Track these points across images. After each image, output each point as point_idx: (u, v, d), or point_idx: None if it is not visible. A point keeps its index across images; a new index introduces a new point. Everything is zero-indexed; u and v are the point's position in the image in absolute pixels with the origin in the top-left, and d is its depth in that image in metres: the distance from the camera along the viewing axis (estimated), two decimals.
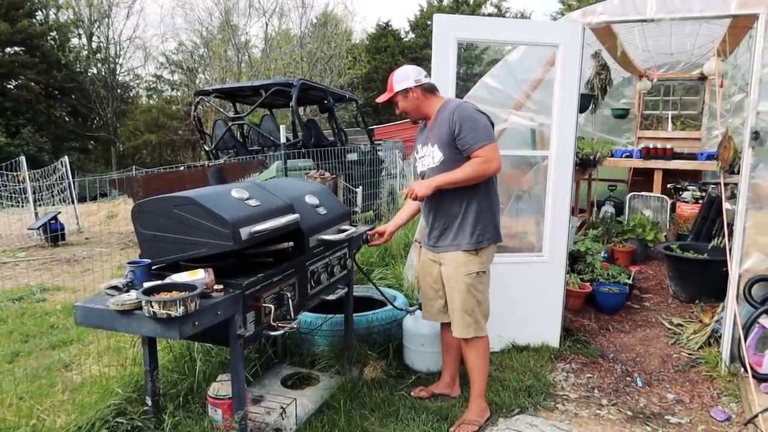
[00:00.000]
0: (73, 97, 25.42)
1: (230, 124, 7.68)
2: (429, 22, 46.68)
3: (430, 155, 2.89)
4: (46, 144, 21.58)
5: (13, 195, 9.63)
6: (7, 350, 4.00)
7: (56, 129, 24.10)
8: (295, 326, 2.36)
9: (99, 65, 26.51)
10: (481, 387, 2.98)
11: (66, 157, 9.91)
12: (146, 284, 2.05)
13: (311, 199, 2.90)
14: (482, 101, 4.03)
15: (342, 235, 2.87)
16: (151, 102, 24.45)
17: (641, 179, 7.74)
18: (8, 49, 23.10)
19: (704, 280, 4.68)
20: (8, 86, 22.57)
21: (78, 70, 25.51)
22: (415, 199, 2.78)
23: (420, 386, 3.28)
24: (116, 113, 25.09)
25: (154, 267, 2.37)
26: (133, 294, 2.01)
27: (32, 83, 23.02)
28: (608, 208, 7.58)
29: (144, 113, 24.09)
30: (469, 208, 2.85)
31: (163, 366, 2.97)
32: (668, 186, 7.23)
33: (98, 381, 2.83)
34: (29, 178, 9.11)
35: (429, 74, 3.00)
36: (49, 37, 24.45)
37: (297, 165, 6.65)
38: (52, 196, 9.76)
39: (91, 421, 2.49)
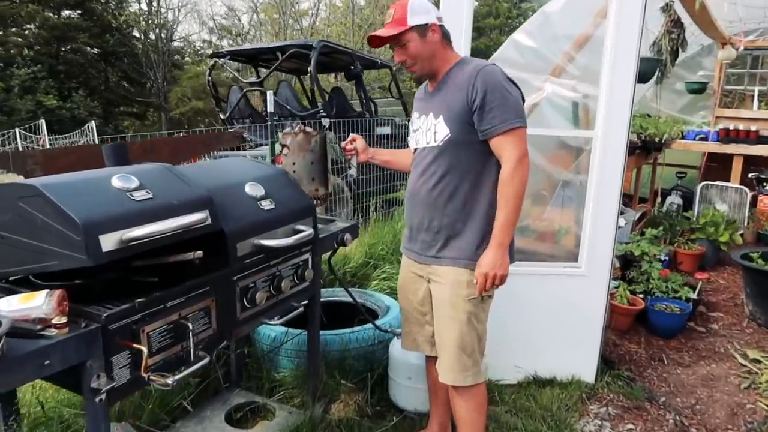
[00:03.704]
0: (125, 61, 25.48)
1: (245, 90, 7.01)
2: None
3: (430, 129, 2.11)
4: (97, 108, 21.69)
5: None
6: None
7: (108, 93, 24.28)
8: (171, 383, 1.64)
9: (156, 30, 26.50)
10: None
11: (93, 122, 9.60)
12: None
13: (253, 189, 2.15)
14: (512, 64, 3.16)
15: (289, 240, 2.10)
16: (199, 68, 24.14)
17: (717, 166, 6.63)
18: (64, 12, 23.33)
19: None
20: (62, 49, 22.83)
21: (132, 34, 25.56)
22: (499, 285, 2.05)
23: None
24: (166, 79, 25.02)
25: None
26: None
27: (86, 47, 23.19)
28: (675, 199, 6.49)
29: (191, 79, 23.78)
30: (477, 206, 2.08)
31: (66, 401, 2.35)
32: (749, 176, 6.10)
33: None
34: (50, 143, 8.80)
35: None
36: (103, 1, 24.47)
37: None
38: None
39: None
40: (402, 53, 2.07)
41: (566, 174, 3.89)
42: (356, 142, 2.56)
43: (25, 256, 1.63)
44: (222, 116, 7.22)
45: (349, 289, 3.41)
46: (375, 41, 2.16)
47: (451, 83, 2.06)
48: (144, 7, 26.79)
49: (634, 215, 5.44)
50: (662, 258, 4.36)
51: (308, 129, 2.58)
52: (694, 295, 3.92)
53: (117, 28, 24.10)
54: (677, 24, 4.84)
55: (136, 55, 25.06)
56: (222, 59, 7.11)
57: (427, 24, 2.03)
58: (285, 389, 2.71)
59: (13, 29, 21.37)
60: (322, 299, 3.31)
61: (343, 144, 2.61)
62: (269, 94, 4.14)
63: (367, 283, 4.03)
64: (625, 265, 4.32)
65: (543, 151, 3.63)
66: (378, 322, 2.92)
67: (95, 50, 24.21)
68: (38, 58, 20.94)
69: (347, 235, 2.59)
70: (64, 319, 1.48)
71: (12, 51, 20.36)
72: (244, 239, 2.00)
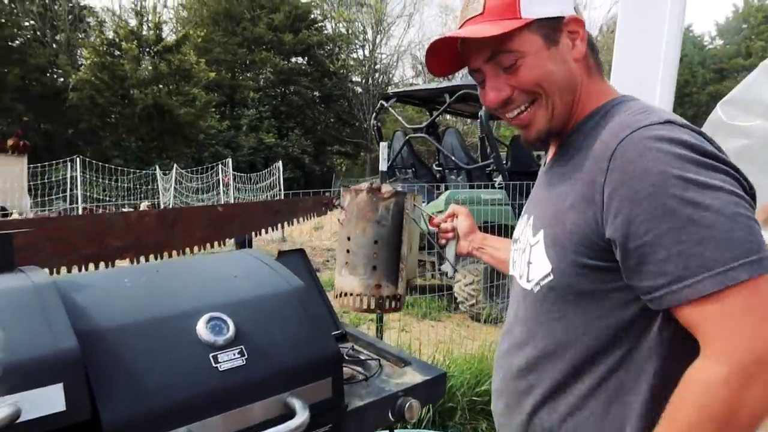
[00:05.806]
0: (345, 104, 27.39)
1: (408, 136, 6.25)
2: (744, 26, 39.18)
3: (525, 252, 1.00)
4: (309, 147, 23.46)
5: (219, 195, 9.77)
6: None
7: (322, 133, 26.29)
8: None
9: (375, 75, 28.12)
10: None
11: (279, 162, 9.76)
12: None
13: (211, 329, 1.19)
14: (765, 111, 1.81)
15: None
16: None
17: None
18: (292, 59, 25.97)
19: None
20: (287, 92, 25.32)
21: (349, 77, 27.51)
22: None
23: None
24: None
25: None
26: None
27: (306, 90, 25.45)
28: None
29: (393, 123, 24.53)
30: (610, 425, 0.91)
31: None
32: None
33: None
34: (234, 179, 9.05)
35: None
36: (327, 48, 26.86)
37: (480, 197, 4.90)
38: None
39: None
40: (504, 83, 0.95)
41: None
42: (458, 218, 1.51)
43: None
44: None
45: None
46: (436, 64, 1.07)
47: (577, 156, 0.90)
48: (367, 53, 28.81)
49: None
50: None
51: (384, 186, 1.49)
52: None
53: (334, 73, 26.05)
54: None
55: (349, 98, 26.86)
56: (389, 102, 6.48)
57: (561, 18, 0.91)
58: None
59: (248, 74, 24.25)
60: None
61: (435, 220, 1.56)
62: (383, 146, 3.26)
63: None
64: None
65: None
66: None
67: (314, 93, 26.46)
68: (264, 100, 23.43)
69: (411, 402, 1.48)
70: None
71: (244, 94, 23.03)
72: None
